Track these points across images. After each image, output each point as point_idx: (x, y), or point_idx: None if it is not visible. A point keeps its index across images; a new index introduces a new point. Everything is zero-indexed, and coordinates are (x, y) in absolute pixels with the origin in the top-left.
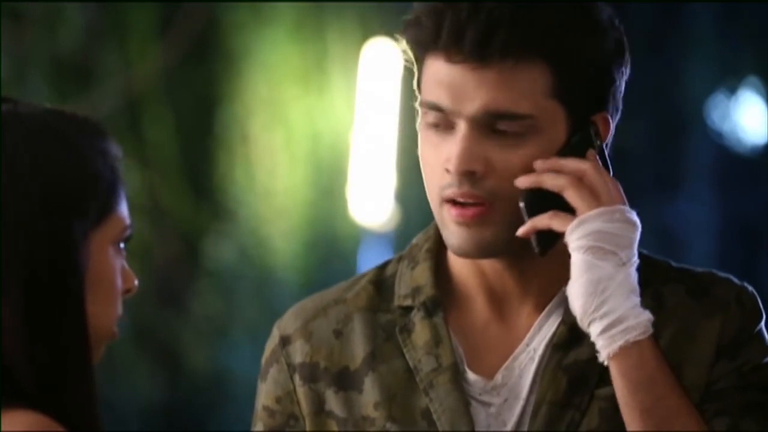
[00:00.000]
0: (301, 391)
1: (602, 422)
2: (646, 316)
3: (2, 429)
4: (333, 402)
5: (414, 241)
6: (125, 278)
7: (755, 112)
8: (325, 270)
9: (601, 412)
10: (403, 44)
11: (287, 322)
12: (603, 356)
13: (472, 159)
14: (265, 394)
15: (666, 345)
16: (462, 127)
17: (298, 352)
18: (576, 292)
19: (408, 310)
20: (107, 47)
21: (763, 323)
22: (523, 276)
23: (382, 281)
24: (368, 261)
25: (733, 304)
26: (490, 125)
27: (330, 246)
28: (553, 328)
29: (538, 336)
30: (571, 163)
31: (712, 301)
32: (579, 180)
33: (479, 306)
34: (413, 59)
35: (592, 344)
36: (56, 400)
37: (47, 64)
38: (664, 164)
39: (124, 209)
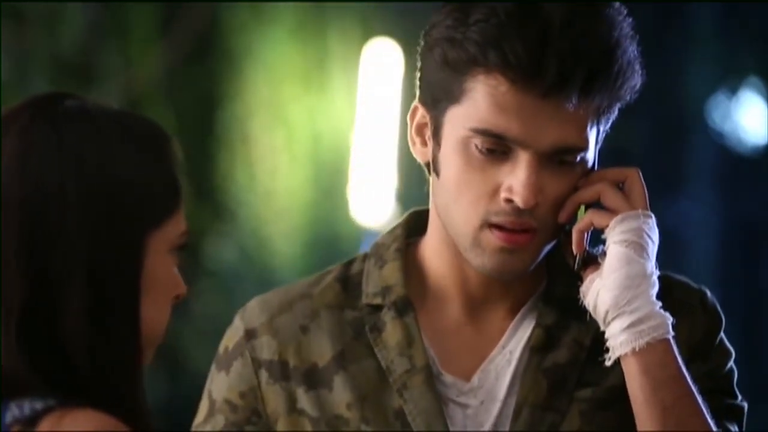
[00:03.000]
0: (271, 390)
1: (582, 424)
2: (669, 317)
3: (69, 428)
4: (304, 400)
5: (379, 240)
6: (176, 284)
7: (756, 113)
8: None
9: (581, 415)
10: (439, 50)
11: (251, 315)
12: (623, 350)
13: (537, 191)
14: (228, 387)
15: None
16: (527, 158)
17: (265, 349)
18: (611, 284)
19: (377, 308)
20: (108, 47)
21: (723, 329)
22: (506, 283)
23: (348, 278)
24: None
25: (698, 307)
26: (550, 157)
27: (331, 246)
28: (528, 332)
29: (514, 339)
30: (615, 171)
31: (676, 303)
32: (614, 185)
33: (453, 308)
34: (446, 68)
35: (570, 347)
36: (113, 397)
37: (48, 64)
38: (664, 164)
39: (182, 214)
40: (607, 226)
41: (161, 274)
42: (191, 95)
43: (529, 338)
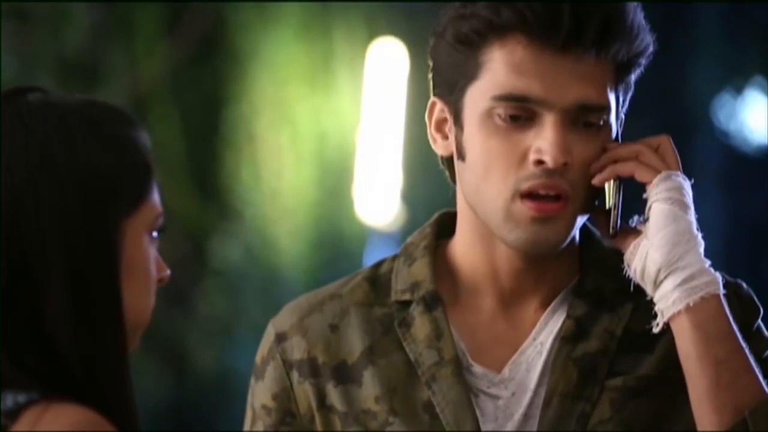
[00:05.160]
0: (302, 388)
1: (613, 413)
2: (719, 275)
3: (50, 423)
4: (333, 396)
5: (409, 239)
6: (158, 268)
7: (761, 112)
8: (331, 270)
9: (612, 403)
10: (450, 31)
11: (282, 319)
12: (677, 308)
13: (566, 150)
14: (263, 393)
15: None
16: (552, 118)
17: (295, 349)
18: (659, 241)
19: (406, 304)
20: (113, 47)
21: (760, 317)
22: (537, 274)
23: (377, 278)
24: (374, 261)
25: (733, 298)
26: (575, 118)
27: (336, 246)
28: (559, 323)
29: (545, 331)
30: (649, 138)
31: None
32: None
33: (486, 302)
34: (460, 46)
35: (601, 337)
36: (98, 390)
37: (53, 64)
38: None
39: (156, 197)
40: (649, 181)
41: (141, 258)
42: (196, 95)
43: (560, 329)
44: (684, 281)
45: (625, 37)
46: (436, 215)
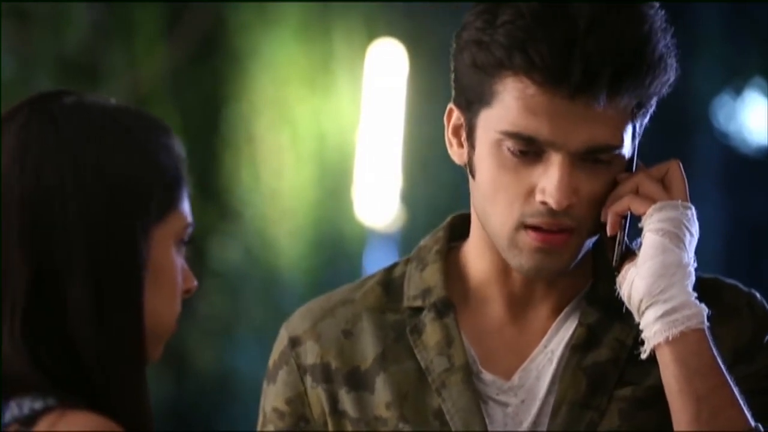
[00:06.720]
0: (315, 393)
1: (622, 423)
2: (704, 308)
3: (63, 429)
4: (346, 402)
5: (422, 243)
6: (185, 278)
7: (760, 113)
8: (330, 270)
9: (621, 413)
10: (468, 52)
11: (295, 324)
12: (657, 340)
13: (570, 193)
14: (274, 396)
15: None
16: (559, 159)
17: (309, 354)
18: (645, 272)
19: (418, 311)
20: (113, 47)
21: None
22: (548, 281)
23: (389, 282)
24: (374, 261)
25: (745, 309)
26: (584, 156)
27: (336, 246)
28: (571, 331)
29: (556, 338)
30: (657, 166)
31: (724, 307)
32: (653, 176)
33: (496, 308)
34: (476, 70)
35: (612, 346)
36: (113, 393)
37: (53, 64)
38: None
39: (186, 207)
40: (644, 212)
41: (167, 267)
42: (196, 95)
43: (571, 337)
44: (665, 314)
45: (639, 83)
46: (449, 218)
